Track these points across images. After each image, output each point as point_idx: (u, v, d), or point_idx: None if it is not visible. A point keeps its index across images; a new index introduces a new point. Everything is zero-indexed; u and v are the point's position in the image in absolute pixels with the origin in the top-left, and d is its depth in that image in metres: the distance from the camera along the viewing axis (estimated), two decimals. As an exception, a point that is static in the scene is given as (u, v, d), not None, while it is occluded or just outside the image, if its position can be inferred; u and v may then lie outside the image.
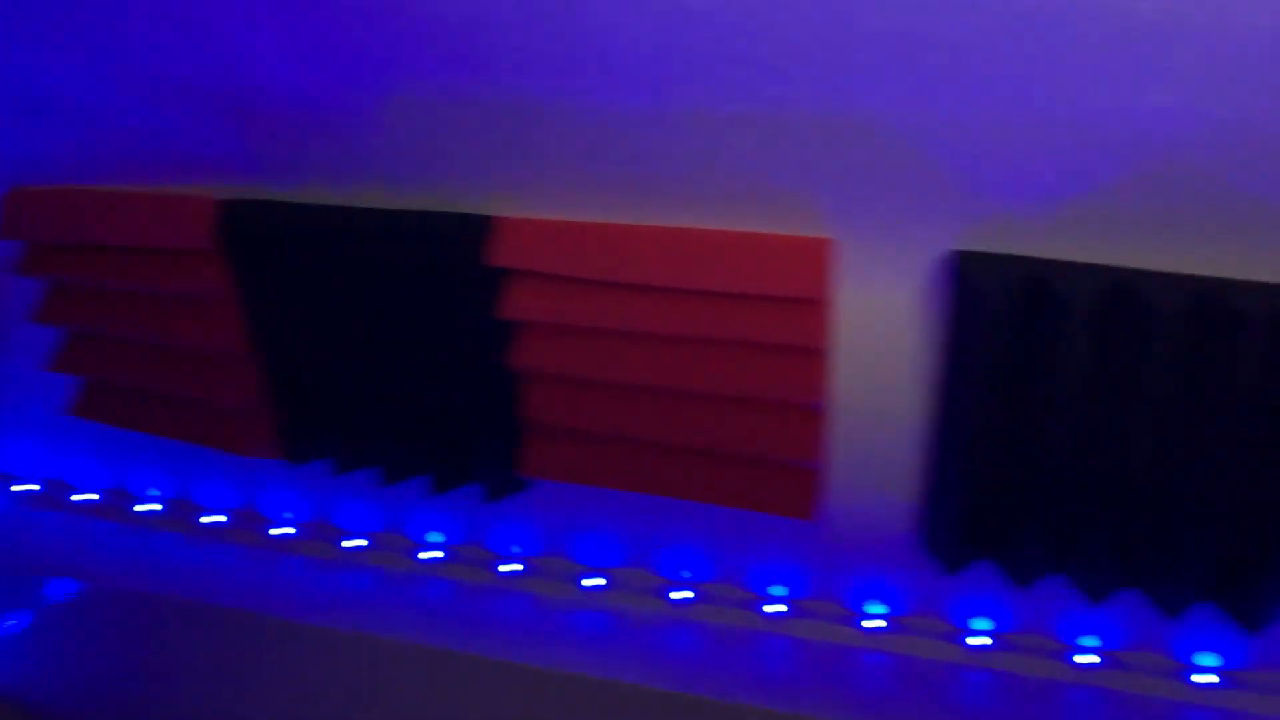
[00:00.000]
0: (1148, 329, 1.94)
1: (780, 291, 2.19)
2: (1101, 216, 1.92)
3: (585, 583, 2.85)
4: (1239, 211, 1.81)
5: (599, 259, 2.27)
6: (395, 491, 2.83)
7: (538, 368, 2.44)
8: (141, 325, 2.80)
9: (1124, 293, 1.93)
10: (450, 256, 2.36)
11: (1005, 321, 2.04)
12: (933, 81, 1.78)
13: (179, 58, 2.18)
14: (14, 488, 3.36)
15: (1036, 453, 2.13)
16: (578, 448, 2.54)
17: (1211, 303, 1.89)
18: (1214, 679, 2.39)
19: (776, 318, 2.23)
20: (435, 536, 3.00)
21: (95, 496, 3.32)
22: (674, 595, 2.78)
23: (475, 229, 2.32)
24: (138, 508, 3.26)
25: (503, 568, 2.93)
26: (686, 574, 2.79)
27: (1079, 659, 2.48)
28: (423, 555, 3.00)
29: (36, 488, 3.36)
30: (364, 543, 3.05)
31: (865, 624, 2.63)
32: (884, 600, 2.63)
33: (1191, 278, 1.90)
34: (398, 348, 2.54)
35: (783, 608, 2.70)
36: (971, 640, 2.55)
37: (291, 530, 3.13)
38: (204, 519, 3.21)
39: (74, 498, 3.32)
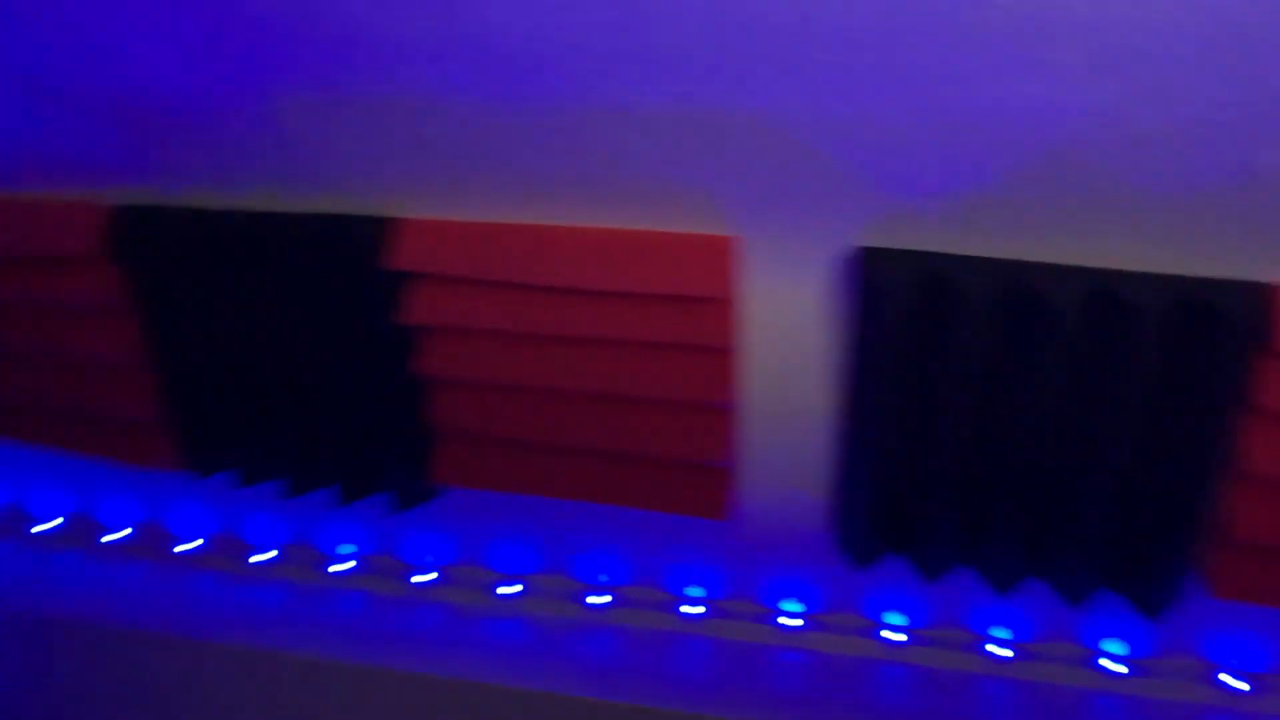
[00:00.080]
0: (1044, 321, 1.95)
1: (686, 290, 2.17)
2: (997, 210, 1.92)
3: (501, 590, 2.81)
4: (1124, 202, 1.83)
5: (501, 260, 2.23)
6: (304, 503, 2.75)
7: (443, 373, 2.39)
8: (32, 337, 2.69)
9: (1020, 286, 1.95)
10: (349, 260, 2.29)
11: (907, 317, 2.04)
12: (821, 77, 1.77)
13: (56, 58, 2.09)
14: (-98, 510, 3.22)
15: (941, 447, 2.14)
16: (487, 453, 2.50)
17: (1104, 294, 1.91)
18: (1122, 667, 2.43)
19: (683, 317, 2.20)
20: (346, 548, 2.94)
21: (-11, 516, 3.19)
22: (591, 600, 2.76)
23: (374, 231, 2.26)
24: (35, 528, 3.14)
25: (416, 578, 2.87)
26: (604, 578, 2.77)
27: (991, 649, 2.50)
28: (334, 568, 2.93)
29: (-74, 509, 3.22)
30: (273, 556, 2.97)
31: (782, 621, 2.63)
32: (800, 598, 2.63)
33: (1085, 269, 1.92)
34: (299, 355, 2.47)
35: (700, 609, 2.69)
36: (886, 635, 2.56)
37: (198, 544, 3.03)
38: (105, 537, 3.10)
39: (-34, 518, 3.19)
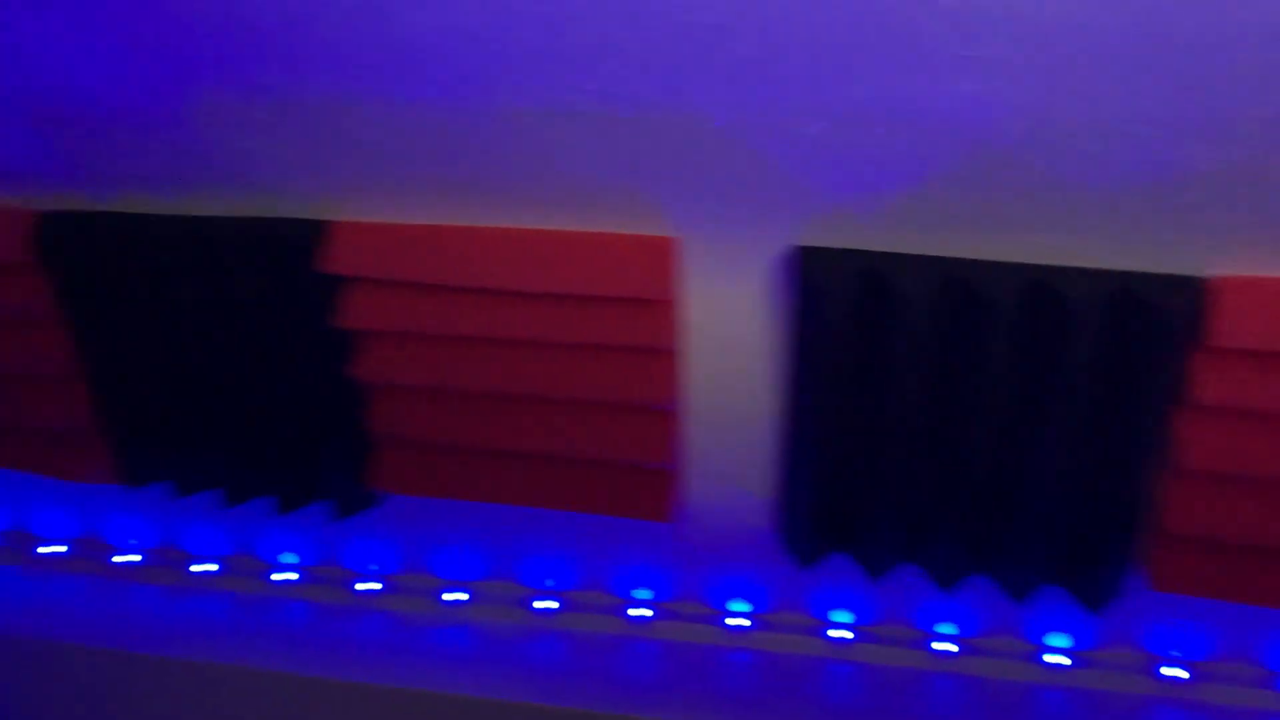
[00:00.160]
0: (981, 318, 1.96)
1: (626, 292, 2.15)
2: (934, 207, 1.92)
3: (447, 597, 2.78)
4: (1059, 198, 1.84)
5: (438, 262, 2.20)
6: (246, 512, 2.70)
7: (381, 378, 2.35)
8: (-42, 349, 2.62)
9: (957, 283, 1.95)
10: (282, 264, 2.25)
11: (846, 315, 2.03)
12: (750, 76, 1.76)
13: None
14: None
15: (882, 445, 2.14)
16: (428, 459, 2.47)
17: (1040, 290, 1.92)
18: (1065, 660, 2.45)
19: (623, 319, 2.19)
20: (289, 557, 2.89)
21: (-80, 533, 3.10)
22: (538, 605, 2.73)
23: (308, 234, 2.22)
24: (-33, 543, 3.07)
25: (360, 586, 2.83)
26: (550, 583, 2.74)
27: (937, 646, 2.51)
28: (276, 577, 2.88)
29: None
30: (214, 567, 2.92)
31: (730, 622, 2.62)
32: (747, 598, 2.62)
33: (1021, 266, 1.93)
34: (234, 362, 2.42)
35: (648, 612, 2.67)
36: (833, 633, 2.56)
37: (136, 558, 2.97)
38: (41, 549, 3.02)
39: (-104, 535, 3.10)
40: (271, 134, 2.09)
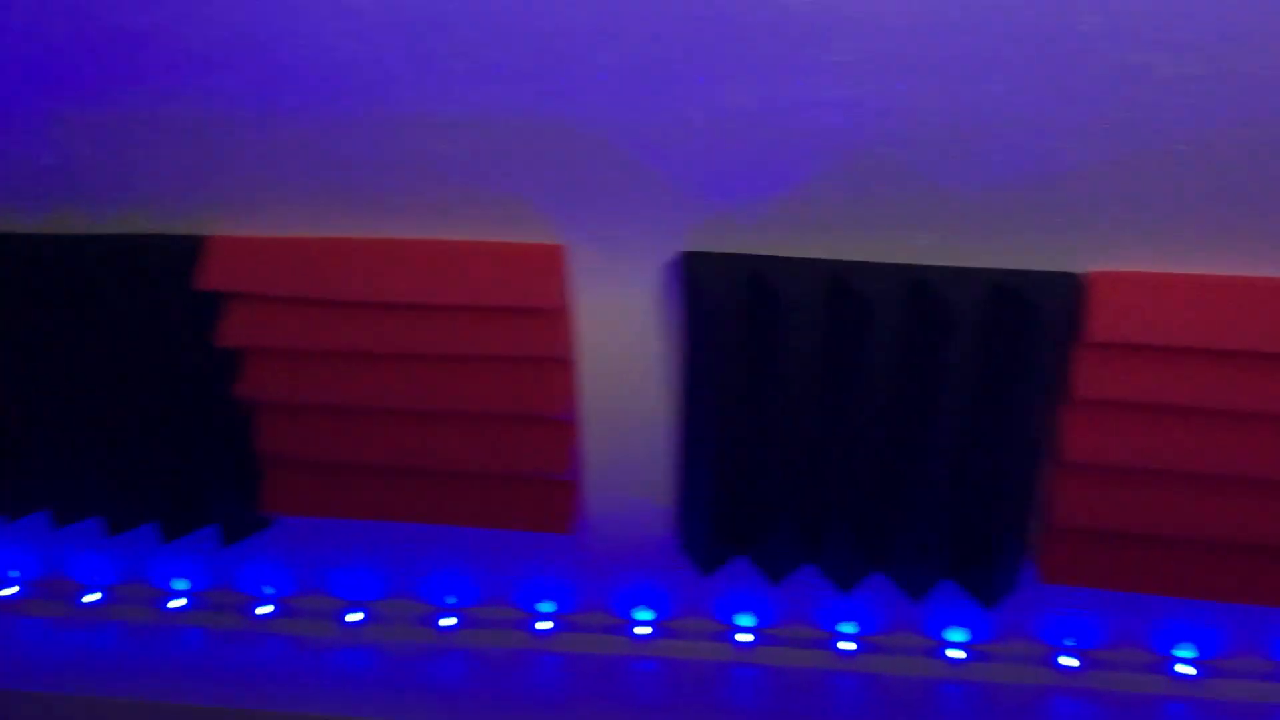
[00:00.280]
0: (864, 319, 1.97)
1: (515, 301, 2.12)
2: (815, 210, 1.94)
3: (347, 618, 2.71)
4: (934, 199, 1.87)
5: (321, 276, 2.14)
6: (134, 538, 2.61)
7: (267, 396, 2.28)
8: None
9: (839, 285, 1.97)
10: (159, 282, 2.18)
11: (732, 319, 2.04)
12: (616, 82, 1.76)
13: None
14: None
15: (774, 447, 2.15)
16: (320, 479, 2.40)
17: (920, 290, 1.94)
18: (962, 654, 2.48)
19: (515, 329, 2.15)
20: (181, 583, 2.79)
21: None
22: (441, 622, 2.68)
23: (183, 251, 2.15)
24: None
25: (257, 610, 2.75)
26: (452, 599, 2.70)
27: (841, 646, 2.53)
28: (170, 604, 2.79)
29: None
30: (100, 596, 2.81)
31: (636, 631, 2.61)
32: (651, 606, 2.61)
33: (901, 266, 1.95)
34: (111, 384, 2.33)
35: (551, 624, 2.64)
36: (738, 637, 2.56)
37: (15, 590, 2.85)
38: (-83, 587, 2.89)
39: None
40: (143, 148, 2.02)
